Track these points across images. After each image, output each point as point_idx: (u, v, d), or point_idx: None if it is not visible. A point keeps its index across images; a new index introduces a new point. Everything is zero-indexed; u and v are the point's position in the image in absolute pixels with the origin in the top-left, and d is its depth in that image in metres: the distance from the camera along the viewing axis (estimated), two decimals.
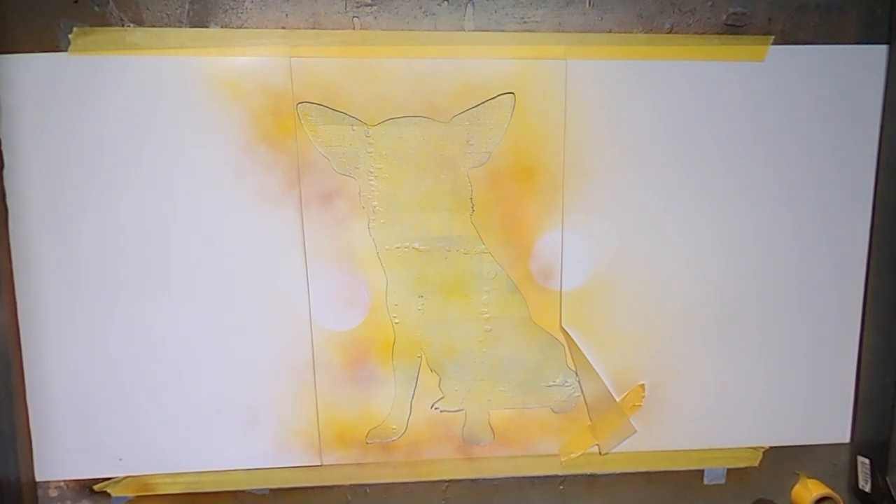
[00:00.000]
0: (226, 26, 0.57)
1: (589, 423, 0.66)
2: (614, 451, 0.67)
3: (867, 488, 0.67)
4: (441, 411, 0.65)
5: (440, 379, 0.64)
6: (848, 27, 0.61)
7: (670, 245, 0.63)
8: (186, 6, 0.57)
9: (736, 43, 0.60)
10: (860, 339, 0.66)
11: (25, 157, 0.57)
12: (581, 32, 0.59)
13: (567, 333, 0.64)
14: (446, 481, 0.67)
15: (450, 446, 0.66)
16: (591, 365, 0.64)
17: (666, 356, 0.65)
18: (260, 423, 0.63)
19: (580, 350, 0.64)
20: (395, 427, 0.65)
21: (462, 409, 0.65)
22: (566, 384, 0.65)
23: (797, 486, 0.69)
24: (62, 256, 0.59)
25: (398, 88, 0.58)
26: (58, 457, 0.62)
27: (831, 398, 0.67)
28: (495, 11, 0.58)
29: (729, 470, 0.68)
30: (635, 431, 0.66)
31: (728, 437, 0.67)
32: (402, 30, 0.58)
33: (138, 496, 0.64)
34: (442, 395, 0.65)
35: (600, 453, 0.67)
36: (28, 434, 0.61)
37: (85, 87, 0.56)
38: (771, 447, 0.68)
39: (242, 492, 0.65)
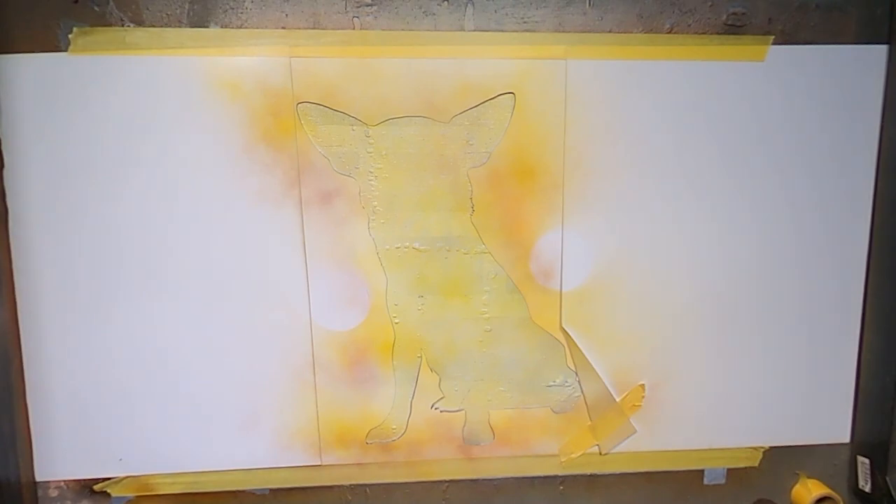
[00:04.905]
0: (226, 26, 0.57)
1: (589, 423, 0.66)
2: (614, 451, 0.67)
3: (867, 488, 0.67)
4: (441, 411, 0.65)
5: (440, 379, 0.64)
6: (848, 27, 0.61)
7: (670, 245, 0.63)
8: (186, 6, 0.57)
9: (736, 43, 0.60)
10: (860, 339, 0.66)
11: (25, 157, 0.57)
12: (581, 32, 0.59)
13: (567, 333, 0.64)
14: (446, 481, 0.67)
15: (450, 446, 0.66)
16: (591, 365, 0.64)
17: (666, 356, 0.65)
18: (260, 423, 0.63)
19: (580, 350, 0.64)
20: (395, 427, 0.65)
21: (462, 410, 0.65)
22: (566, 384, 0.65)
23: (797, 486, 0.69)
24: (62, 256, 0.59)
25: (398, 88, 0.58)
26: (58, 457, 0.62)
27: (831, 398, 0.67)
28: (495, 11, 0.58)
29: (729, 470, 0.68)
30: (635, 431, 0.66)
31: (728, 437, 0.67)
32: (402, 30, 0.58)
33: (138, 496, 0.64)
34: (442, 395, 0.65)
35: (600, 453, 0.67)
36: (28, 434, 0.61)
37: (85, 87, 0.56)
38: (771, 447, 0.68)
39: (242, 492, 0.65)
